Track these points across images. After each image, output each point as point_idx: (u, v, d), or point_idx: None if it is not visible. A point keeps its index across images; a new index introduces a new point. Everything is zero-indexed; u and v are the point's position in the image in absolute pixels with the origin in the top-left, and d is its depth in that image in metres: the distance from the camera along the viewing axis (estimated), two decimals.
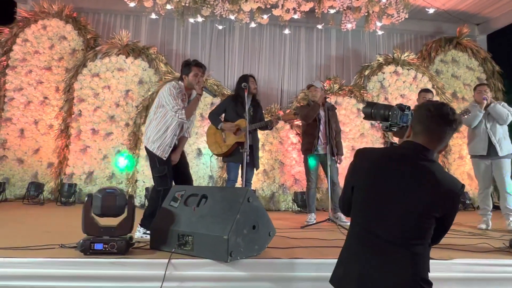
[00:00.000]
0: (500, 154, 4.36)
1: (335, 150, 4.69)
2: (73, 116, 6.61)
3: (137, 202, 6.24)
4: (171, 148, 3.47)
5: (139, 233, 3.31)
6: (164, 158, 3.42)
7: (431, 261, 2.57)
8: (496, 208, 5.07)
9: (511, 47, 8.34)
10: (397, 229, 1.56)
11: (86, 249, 2.45)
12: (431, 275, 2.53)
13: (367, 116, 1.95)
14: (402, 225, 1.55)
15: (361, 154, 1.75)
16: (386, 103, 7.27)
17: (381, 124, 1.91)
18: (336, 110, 5.02)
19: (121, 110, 6.67)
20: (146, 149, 3.53)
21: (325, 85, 6.80)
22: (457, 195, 1.59)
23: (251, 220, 2.54)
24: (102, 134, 6.58)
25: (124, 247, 2.50)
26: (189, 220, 2.63)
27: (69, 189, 6.08)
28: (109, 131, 6.60)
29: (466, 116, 4.42)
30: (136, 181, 6.40)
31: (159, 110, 3.49)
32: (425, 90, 4.79)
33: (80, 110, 6.62)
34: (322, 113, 4.69)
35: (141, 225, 3.36)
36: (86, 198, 2.59)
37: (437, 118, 1.62)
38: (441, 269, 2.58)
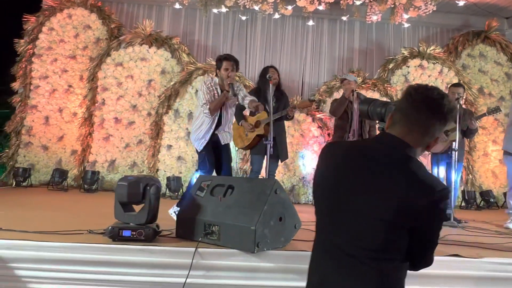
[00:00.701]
0: None
1: None
2: (96, 104, 6.70)
3: None
4: (206, 141, 3.68)
5: (171, 210, 3.58)
6: (199, 150, 3.71)
7: (459, 259, 2.55)
8: None
9: None
10: (360, 239, 1.26)
11: (115, 236, 2.48)
12: (460, 273, 2.50)
13: (364, 115, 1.69)
14: (365, 235, 1.26)
15: (327, 148, 1.47)
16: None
17: (378, 125, 1.65)
18: None
19: (143, 99, 6.73)
20: None
21: (357, 79, 6.70)
22: (434, 202, 1.23)
23: (278, 212, 2.53)
24: (125, 123, 6.66)
25: (151, 235, 2.52)
26: (215, 210, 2.64)
27: (92, 177, 6.18)
28: (132, 120, 6.67)
29: (494, 115, 4.27)
30: (157, 170, 6.47)
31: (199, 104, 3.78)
32: (455, 85, 4.64)
33: (103, 99, 6.70)
34: (355, 106, 4.57)
35: (177, 205, 3.57)
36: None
37: (418, 104, 1.30)
38: (470, 268, 2.54)
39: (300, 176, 6.51)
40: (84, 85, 6.80)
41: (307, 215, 4.61)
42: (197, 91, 6.18)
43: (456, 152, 4.26)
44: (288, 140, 6.47)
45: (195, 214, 2.71)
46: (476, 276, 2.53)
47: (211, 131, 3.69)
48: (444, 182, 4.65)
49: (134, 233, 2.50)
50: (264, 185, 2.57)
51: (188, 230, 2.69)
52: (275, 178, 4.57)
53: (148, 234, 2.51)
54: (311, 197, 6.40)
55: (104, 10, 7.11)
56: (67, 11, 6.93)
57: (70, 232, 2.67)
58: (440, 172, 4.62)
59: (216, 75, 3.79)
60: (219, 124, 3.76)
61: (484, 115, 4.76)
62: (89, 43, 6.96)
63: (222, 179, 2.96)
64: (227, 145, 3.89)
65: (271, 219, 2.47)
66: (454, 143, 4.24)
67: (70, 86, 6.84)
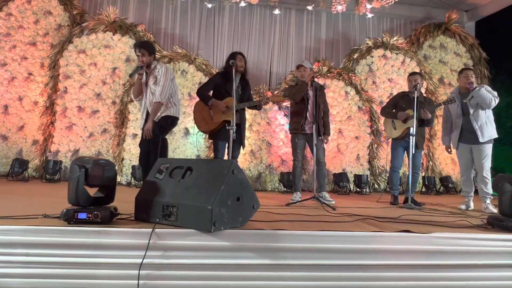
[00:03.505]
0: (481, 140, 4.37)
1: (322, 130, 4.70)
2: (58, 93, 6.51)
3: (123, 180, 6.22)
4: (142, 121, 4.18)
5: None
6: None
7: (410, 234, 2.66)
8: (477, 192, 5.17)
9: (498, 34, 8.41)
10: None
11: (70, 218, 2.44)
12: (410, 247, 2.61)
13: None
14: None
15: None
16: (373, 87, 7.33)
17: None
18: (325, 90, 5.01)
19: (107, 88, 6.59)
20: None
21: (313, 66, 6.80)
22: None
23: (236, 192, 2.55)
24: (88, 111, 6.50)
25: (108, 217, 2.49)
26: (174, 191, 2.64)
27: (54, 166, 6.02)
28: (96, 109, 6.53)
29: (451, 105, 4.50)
30: (123, 159, 6.37)
31: None
32: (413, 74, 4.82)
33: (65, 87, 6.52)
34: (310, 93, 4.68)
35: None
36: (70, 168, 2.57)
37: None
38: (420, 242, 2.65)
39: (266, 163, 6.56)
40: (45, 73, 6.59)
41: (272, 201, 4.70)
42: None
43: (414, 137, 4.40)
44: (254, 128, 6.55)
45: (153, 196, 2.70)
46: (426, 250, 2.64)
47: (143, 116, 4.13)
48: (402, 167, 4.83)
49: (90, 215, 2.46)
50: (222, 166, 2.59)
51: (146, 212, 2.68)
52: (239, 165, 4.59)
53: (105, 216, 2.48)
54: (277, 185, 6.47)
55: None
56: None
57: (24, 217, 2.60)
58: (398, 156, 4.78)
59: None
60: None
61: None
62: (50, 30, 6.74)
63: (181, 161, 2.96)
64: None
65: (229, 199, 2.49)
66: (411, 128, 4.39)
67: (30, 74, 6.62)
